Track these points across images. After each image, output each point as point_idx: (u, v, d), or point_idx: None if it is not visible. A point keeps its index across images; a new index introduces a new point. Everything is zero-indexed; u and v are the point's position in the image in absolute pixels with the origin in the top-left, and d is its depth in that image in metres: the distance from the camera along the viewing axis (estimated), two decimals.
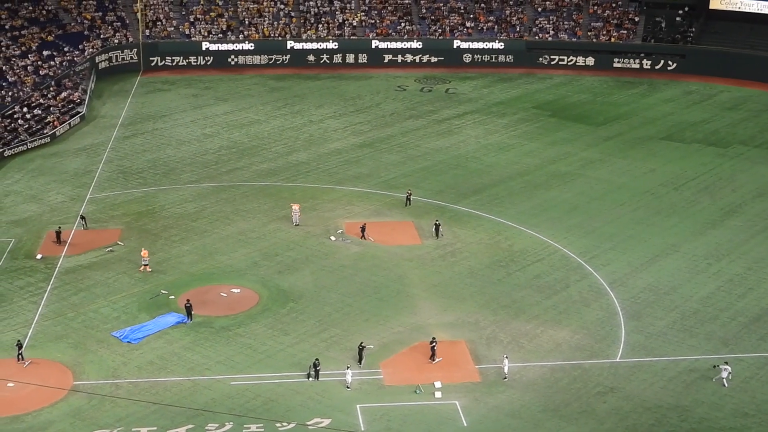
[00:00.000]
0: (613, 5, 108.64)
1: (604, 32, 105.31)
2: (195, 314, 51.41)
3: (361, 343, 47.74)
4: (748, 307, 53.48)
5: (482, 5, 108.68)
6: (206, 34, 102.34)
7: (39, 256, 58.69)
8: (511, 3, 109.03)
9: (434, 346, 47.35)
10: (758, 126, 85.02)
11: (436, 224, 61.17)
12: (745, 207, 67.15)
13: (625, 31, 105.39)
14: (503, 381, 46.17)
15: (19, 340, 47.57)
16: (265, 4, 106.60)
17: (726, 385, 45.87)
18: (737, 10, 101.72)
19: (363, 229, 61.38)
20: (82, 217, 63.45)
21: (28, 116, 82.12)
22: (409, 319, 51.71)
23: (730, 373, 46.04)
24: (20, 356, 46.83)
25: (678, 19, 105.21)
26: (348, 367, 46.08)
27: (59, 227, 61.09)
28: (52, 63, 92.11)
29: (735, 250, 60.38)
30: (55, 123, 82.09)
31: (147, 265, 57.25)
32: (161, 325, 50.64)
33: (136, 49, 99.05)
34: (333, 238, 61.15)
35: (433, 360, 47.11)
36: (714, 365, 46.39)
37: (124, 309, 52.49)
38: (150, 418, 42.61)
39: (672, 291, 55.12)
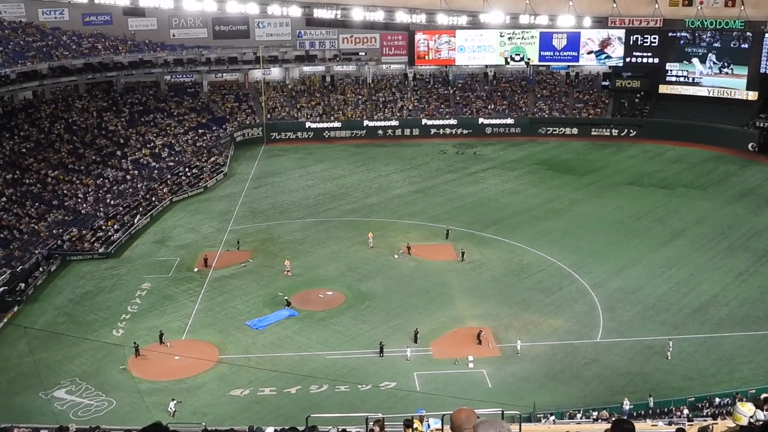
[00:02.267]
0: (591, 92, 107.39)
1: (584, 110, 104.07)
2: (301, 309, 51.59)
3: (416, 329, 47.55)
4: (691, 302, 52.18)
5: (498, 93, 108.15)
6: (308, 116, 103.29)
7: (196, 270, 59.38)
8: (518, 91, 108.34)
9: (480, 334, 46.88)
10: (695, 174, 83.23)
11: (462, 252, 60.38)
12: (687, 231, 65.57)
13: (599, 109, 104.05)
14: (516, 356, 45.66)
15: (161, 331, 47.64)
16: (348, 95, 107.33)
17: (669, 357, 44.85)
18: (678, 93, 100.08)
19: (408, 247, 61.29)
20: (237, 242, 63.63)
21: (189, 174, 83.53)
22: (449, 312, 51.36)
23: (672, 348, 45.15)
24: (162, 342, 46.90)
25: (636, 100, 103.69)
26: (408, 346, 45.94)
27: (206, 256, 60.78)
28: (204, 137, 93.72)
29: (681, 261, 58.96)
30: (206, 178, 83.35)
31: (289, 271, 57.60)
32: (279, 317, 50.89)
33: (261, 128, 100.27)
34: (396, 256, 60.95)
35: (479, 343, 46.47)
36: (668, 343, 45.40)
37: (253, 305, 52.86)
38: (271, 381, 42.78)
39: (636, 291, 53.98)
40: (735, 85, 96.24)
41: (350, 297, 53.86)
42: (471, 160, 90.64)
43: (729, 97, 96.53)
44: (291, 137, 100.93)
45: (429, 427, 25.83)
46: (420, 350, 46.15)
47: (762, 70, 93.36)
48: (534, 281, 55.99)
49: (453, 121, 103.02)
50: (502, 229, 66.51)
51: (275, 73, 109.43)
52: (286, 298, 52.86)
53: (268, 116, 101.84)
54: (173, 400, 40.38)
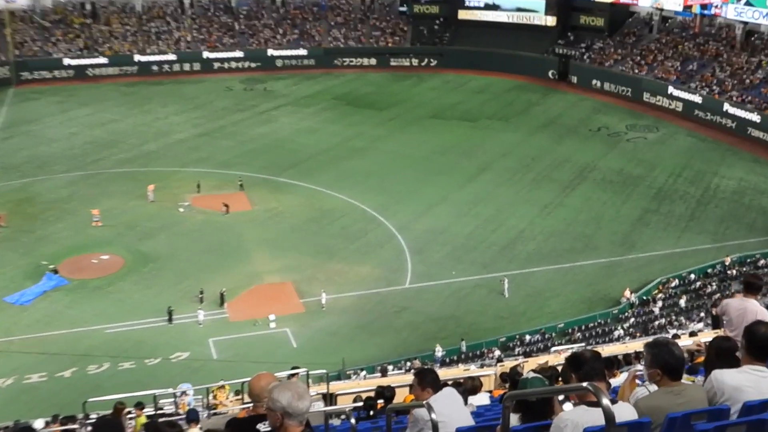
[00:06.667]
0: (388, 18, 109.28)
1: (382, 39, 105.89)
2: (72, 278, 48.98)
3: (222, 290, 46.92)
4: (499, 239, 55.45)
5: (288, 21, 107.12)
6: (66, 52, 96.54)
7: None
8: (310, 19, 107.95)
9: (201, 296, 46.42)
10: (499, 104, 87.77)
11: (225, 205, 58.89)
12: (493, 165, 69.26)
13: (398, 38, 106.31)
14: (322, 310, 46.37)
15: None
16: (114, 26, 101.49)
17: (506, 295, 47.68)
18: (478, 19, 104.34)
19: (198, 186, 61.93)
20: None
21: None
22: (246, 268, 51.00)
23: (508, 284, 48.03)
24: None
25: (436, 27, 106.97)
26: (200, 309, 45.28)
27: None
28: None
29: (488, 197, 62.30)
30: None
31: (98, 221, 55.43)
32: (44, 288, 47.94)
33: (8, 66, 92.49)
34: (181, 209, 59.37)
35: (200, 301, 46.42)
36: (500, 280, 48.14)
37: (12, 279, 49.21)
38: (40, 366, 40.43)
39: (444, 231, 56.42)
40: (534, 7, 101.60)
41: (130, 260, 51.82)
42: (261, 97, 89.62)
43: (528, 23, 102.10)
44: (47, 77, 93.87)
45: (191, 404, 25.67)
46: (215, 313, 45.57)
47: None
48: (337, 228, 56.85)
49: (239, 54, 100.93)
50: (300, 173, 66.63)
51: (21, 1, 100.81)
52: (52, 266, 49.79)
53: (17, 53, 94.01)
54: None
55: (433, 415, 7.12)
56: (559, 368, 13.47)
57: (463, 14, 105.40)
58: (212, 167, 67.95)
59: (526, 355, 37.99)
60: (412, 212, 59.39)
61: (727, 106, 76.96)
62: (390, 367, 38.22)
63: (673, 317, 44.53)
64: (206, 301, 46.32)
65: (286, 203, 60.91)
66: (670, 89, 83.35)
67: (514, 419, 6.88)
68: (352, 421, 9.54)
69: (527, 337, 43.46)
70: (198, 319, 44.52)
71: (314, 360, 38.22)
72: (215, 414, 22.10)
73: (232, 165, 68.09)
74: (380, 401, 16.53)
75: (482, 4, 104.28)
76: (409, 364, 39.36)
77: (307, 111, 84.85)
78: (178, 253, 52.89)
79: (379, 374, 34.95)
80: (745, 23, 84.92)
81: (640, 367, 10.85)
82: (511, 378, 16.72)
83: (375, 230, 56.63)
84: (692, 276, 49.55)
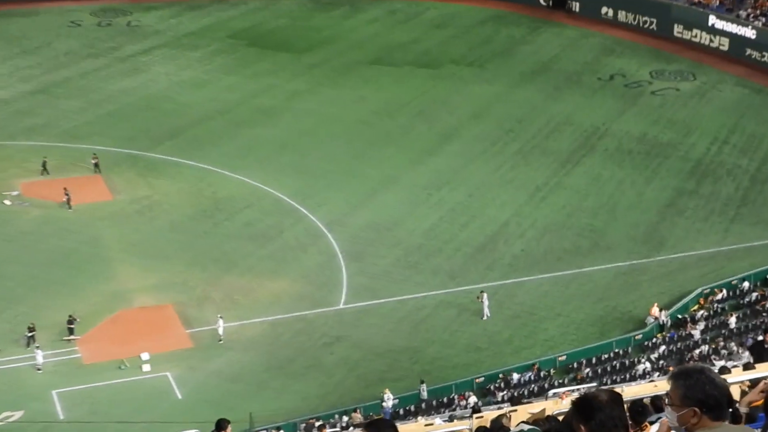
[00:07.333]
0: None
1: None
2: None
3: (72, 316, 46.48)
4: (472, 237, 55.74)
5: None
6: None
7: None
8: None
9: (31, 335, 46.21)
10: (468, 43, 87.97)
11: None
12: (461, 130, 69.54)
13: None
14: (219, 344, 46.15)
15: None
16: None
17: (487, 316, 47.93)
18: None
19: (44, 165, 61.06)
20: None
21: None
22: (106, 286, 50.57)
23: (487, 301, 48.31)
24: None
25: None
26: (37, 347, 44.72)
27: None
28: None
29: (455, 177, 62.54)
30: None
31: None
32: None
33: None
34: (8, 201, 58.59)
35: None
36: (477, 297, 48.54)
37: None
38: None
39: (394, 226, 56.52)
40: None
41: None
42: (124, 36, 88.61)
43: None
44: None
45: None
46: (60, 353, 45.15)
47: None
48: (239, 224, 56.69)
49: None
50: (183, 145, 66.21)
51: None
52: None
53: None
54: None
55: None
56: (561, 418, 13.61)
57: None
58: (52, 139, 67.11)
59: (514, 401, 38.24)
60: (348, 201, 59.38)
61: None
62: (318, 424, 38.28)
63: (721, 343, 45.25)
64: (41, 339, 45.61)
65: (163, 190, 60.48)
66: (712, 20, 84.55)
67: None
68: None
69: (515, 376, 43.78)
70: (36, 361, 44.01)
71: (208, 416, 37.92)
72: None
73: (83, 136, 67.34)
74: None
75: None
76: (346, 418, 39.42)
77: (191, 55, 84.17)
78: (4, 266, 52.28)
79: None
80: None
81: None
82: None
83: (294, 227, 56.53)
84: (746, 285, 50.33)
